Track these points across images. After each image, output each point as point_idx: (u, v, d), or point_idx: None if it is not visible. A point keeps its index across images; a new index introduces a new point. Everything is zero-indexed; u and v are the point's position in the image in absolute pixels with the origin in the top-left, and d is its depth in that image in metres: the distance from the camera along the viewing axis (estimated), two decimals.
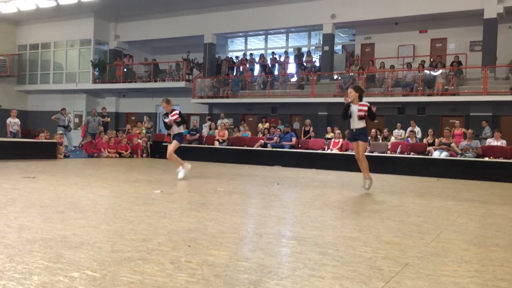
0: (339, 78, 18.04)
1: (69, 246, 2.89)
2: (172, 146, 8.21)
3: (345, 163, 12.36)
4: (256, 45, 22.96)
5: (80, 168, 10.07)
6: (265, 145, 14.66)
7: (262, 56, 20.74)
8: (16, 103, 23.95)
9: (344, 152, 13.19)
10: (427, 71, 16.47)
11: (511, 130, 14.53)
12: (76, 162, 11.99)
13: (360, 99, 6.94)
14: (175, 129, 8.40)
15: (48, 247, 2.84)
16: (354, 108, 6.85)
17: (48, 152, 12.58)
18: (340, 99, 17.02)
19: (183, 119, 8.59)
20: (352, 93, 6.89)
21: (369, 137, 12.94)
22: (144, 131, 17.11)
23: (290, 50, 21.48)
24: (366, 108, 6.83)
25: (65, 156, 13.44)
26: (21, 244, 2.90)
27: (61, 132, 14.79)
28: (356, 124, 6.91)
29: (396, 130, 14.44)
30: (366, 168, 6.97)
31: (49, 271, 2.36)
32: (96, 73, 23.26)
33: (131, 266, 2.51)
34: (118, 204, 4.78)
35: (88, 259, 2.60)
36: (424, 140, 13.29)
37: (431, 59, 17.40)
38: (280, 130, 15.21)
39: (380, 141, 13.91)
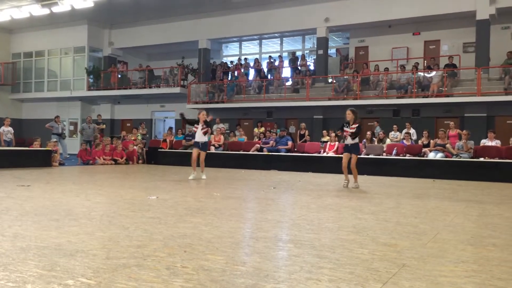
0: (334, 81, 18.07)
1: (64, 254, 2.86)
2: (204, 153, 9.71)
3: (341, 166, 12.29)
4: (250, 49, 22.99)
5: (75, 176, 10.03)
6: (261, 149, 14.65)
7: (256, 61, 20.76)
8: (10, 112, 23.83)
9: (340, 155, 13.17)
10: (421, 73, 16.54)
11: (505, 130, 14.59)
12: (71, 170, 11.94)
13: (354, 121, 8.38)
14: (203, 138, 9.63)
15: (42, 255, 2.82)
16: (348, 129, 8.40)
17: (43, 160, 12.53)
18: (335, 102, 17.19)
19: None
20: (350, 115, 8.41)
21: (363, 142, 13.49)
22: (139, 137, 17.07)
23: (285, 54, 21.52)
24: (354, 130, 8.32)
25: (60, 164, 13.38)
26: (15, 253, 2.87)
27: (55, 140, 14.72)
28: (349, 141, 8.41)
29: (392, 132, 14.47)
30: (356, 175, 8.48)
31: (43, 279, 2.33)
32: (91, 80, 23.21)
33: (126, 273, 2.48)
34: (114, 211, 4.76)
35: (82, 267, 2.58)
36: (419, 142, 13.32)
37: (425, 61, 17.48)
38: (276, 134, 15.21)
39: (376, 143, 13.93)
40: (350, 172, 8.50)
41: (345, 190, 7.90)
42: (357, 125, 8.34)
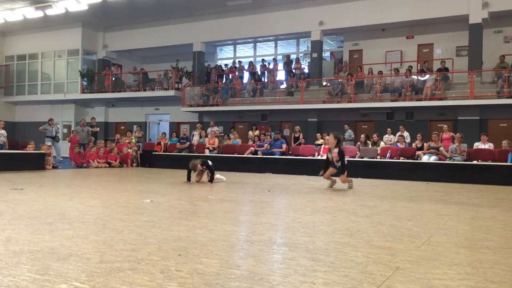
0: (328, 84, 18.15)
1: (57, 258, 2.84)
2: None
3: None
4: (245, 52, 23.04)
5: (69, 179, 9.98)
6: (255, 152, 14.65)
7: (251, 64, 20.79)
8: (4, 115, 23.70)
9: None
10: (414, 77, 16.65)
11: (498, 133, 14.70)
12: (65, 173, 11.87)
13: (337, 145, 8.28)
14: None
15: (36, 259, 2.80)
16: (331, 153, 8.34)
17: (36, 163, 12.46)
18: (330, 106, 17.27)
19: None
20: (331, 140, 8.34)
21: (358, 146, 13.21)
22: (134, 140, 17.02)
23: (279, 57, 21.58)
24: (337, 156, 8.25)
25: (54, 167, 13.30)
26: (8, 257, 2.85)
27: (49, 143, 14.63)
28: (335, 162, 8.33)
29: (387, 135, 14.54)
30: (348, 180, 8.47)
31: (37, 284, 2.32)
32: (85, 83, 23.13)
33: (120, 277, 2.47)
34: (108, 214, 4.73)
35: (76, 271, 2.56)
36: (413, 145, 13.38)
37: (418, 65, 17.59)
38: (270, 137, 15.22)
39: (370, 146, 13.98)
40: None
41: (340, 193, 7.91)
42: (337, 150, 8.27)
